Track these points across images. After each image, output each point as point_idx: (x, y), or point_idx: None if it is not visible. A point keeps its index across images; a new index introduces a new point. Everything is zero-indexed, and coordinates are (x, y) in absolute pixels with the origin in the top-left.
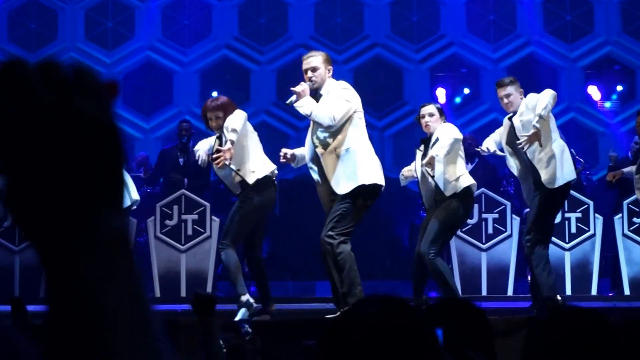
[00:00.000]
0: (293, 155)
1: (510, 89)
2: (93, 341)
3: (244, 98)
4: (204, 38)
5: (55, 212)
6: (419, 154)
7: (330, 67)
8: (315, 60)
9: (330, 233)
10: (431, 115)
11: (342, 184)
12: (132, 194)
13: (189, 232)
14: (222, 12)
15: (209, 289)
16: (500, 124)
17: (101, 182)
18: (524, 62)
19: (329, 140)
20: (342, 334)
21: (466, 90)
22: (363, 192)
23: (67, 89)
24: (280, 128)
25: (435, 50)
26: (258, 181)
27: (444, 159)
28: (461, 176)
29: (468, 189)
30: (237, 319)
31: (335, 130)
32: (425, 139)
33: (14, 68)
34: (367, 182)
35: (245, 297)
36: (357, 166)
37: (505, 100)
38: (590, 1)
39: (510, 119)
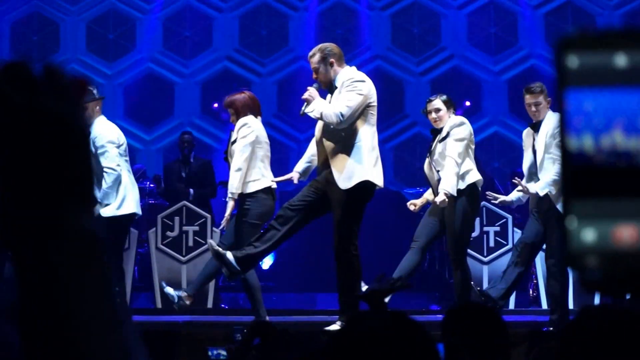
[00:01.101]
0: (304, 173)
1: (540, 98)
2: (61, 338)
3: None
4: (205, 50)
5: (23, 210)
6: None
7: (332, 60)
8: (313, 60)
9: (346, 246)
10: (437, 110)
11: (345, 179)
12: (130, 206)
13: (190, 243)
14: (223, 24)
15: (210, 300)
16: (499, 137)
17: (68, 181)
18: (525, 75)
19: (339, 133)
20: (344, 347)
21: (467, 103)
22: (363, 189)
23: (35, 89)
24: (281, 140)
25: (437, 62)
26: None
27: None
28: (467, 172)
29: (473, 186)
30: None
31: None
32: (435, 130)
33: None
34: (370, 179)
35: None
36: (363, 162)
37: (534, 109)
38: (592, 14)
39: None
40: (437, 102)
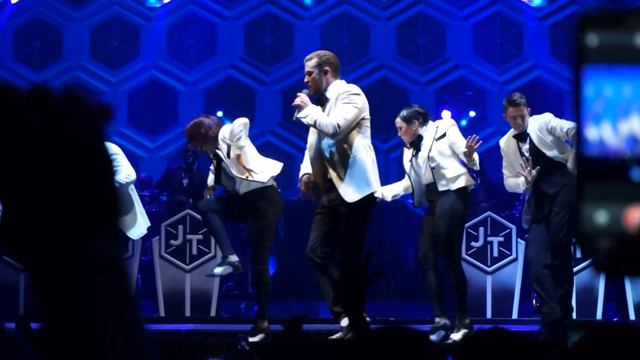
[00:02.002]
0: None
1: (524, 109)
2: None
3: (249, 119)
4: (209, 58)
5: (47, 239)
6: (408, 152)
7: (327, 69)
8: (309, 64)
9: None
10: (400, 128)
11: (351, 192)
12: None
13: (194, 251)
14: (227, 32)
15: (213, 308)
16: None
17: (92, 207)
18: (530, 86)
19: (337, 146)
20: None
21: (472, 113)
22: (368, 201)
23: (57, 114)
24: (285, 149)
25: (442, 72)
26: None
27: (447, 156)
28: (459, 176)
29: (464, 189)
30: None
31: (343, 138)
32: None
33: (3, 93)
34: (374, 190)
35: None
36: (366, 173)
37: (520, 121)
38: None
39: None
40: (398, 121)
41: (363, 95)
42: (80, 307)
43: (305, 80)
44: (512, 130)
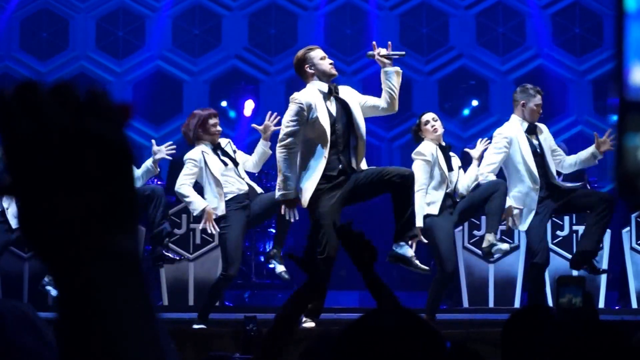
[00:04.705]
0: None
1: None
2: (103, 357)
3: (253, 108)
4: (213, 48)
5: (67, 233)
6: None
7: (307, 66)
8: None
9: None
10: (435, 120)
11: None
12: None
13: (197, 241)
14: (232, 22)
15: None
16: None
17: (112, 203)
18: (532, 75)
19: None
20: (356, 344)
21: (474, 102)
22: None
23: (80, 111)
24: None
25: (444, 62)
26: None
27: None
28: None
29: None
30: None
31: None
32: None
33: (28, 89)
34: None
35: None
36: None
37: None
38: (599, 14)
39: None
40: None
41: None
42: (98, 301)
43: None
44: (521, 120)
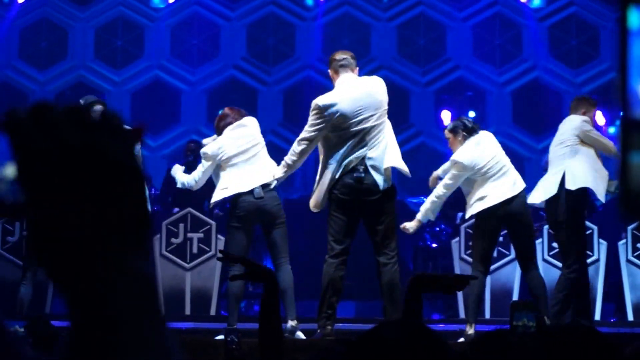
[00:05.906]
0: None
1: None
2: None
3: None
4: (212, 58)
5: (80, 255)
6: None
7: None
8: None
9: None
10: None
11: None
12: None
13: (194, 250)
14: (230, 32)
15: (214, 307)
16: (503, 148)
17: (125, 224)
18: (529, 87)
19: None
20: (364, 355)
21: (472, 114)
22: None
23: (93, 131)
24: (287, 149)
25: (442, 73)
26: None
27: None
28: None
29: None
30: None
31: None
32: None
33: (43, 110)
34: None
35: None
36: None
37: None
38: (595, 27)
39: None
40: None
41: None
42: (112, 324)
43: None
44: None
